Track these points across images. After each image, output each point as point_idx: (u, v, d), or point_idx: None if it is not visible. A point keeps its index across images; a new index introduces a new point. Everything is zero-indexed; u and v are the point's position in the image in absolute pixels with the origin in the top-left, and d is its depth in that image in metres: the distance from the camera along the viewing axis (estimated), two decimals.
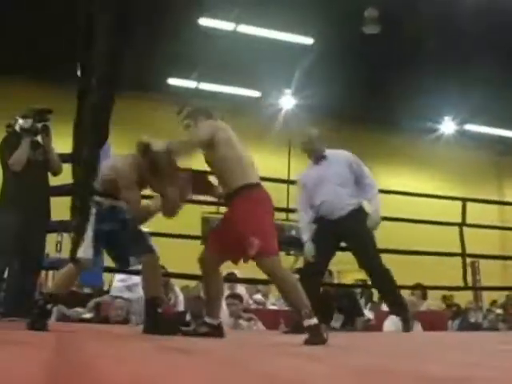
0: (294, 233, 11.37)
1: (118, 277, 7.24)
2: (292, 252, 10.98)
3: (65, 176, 5.35)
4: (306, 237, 5.40)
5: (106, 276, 7.92)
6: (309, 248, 5.33)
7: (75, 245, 4.81)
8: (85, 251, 3.91)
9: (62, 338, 3.29)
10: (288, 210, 10.13)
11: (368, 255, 5.28)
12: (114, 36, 1.98)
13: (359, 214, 5.33)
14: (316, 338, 3.24)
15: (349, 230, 5.25)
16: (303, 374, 1.62)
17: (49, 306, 3.97)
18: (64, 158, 5.35)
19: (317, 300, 5.08)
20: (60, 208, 5.51)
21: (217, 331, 3.90)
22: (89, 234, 3.95)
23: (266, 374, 1.62)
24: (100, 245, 4.13)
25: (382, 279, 5.29)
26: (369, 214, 5.34)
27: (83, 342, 3.03)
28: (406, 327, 5.19)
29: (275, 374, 1.60)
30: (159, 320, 4.09)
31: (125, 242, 4.20)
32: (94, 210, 4.01)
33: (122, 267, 4.61)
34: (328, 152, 5.53)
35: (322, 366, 1.95)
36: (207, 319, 3.94)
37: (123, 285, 7.07)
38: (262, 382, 1.41)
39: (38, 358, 1.89)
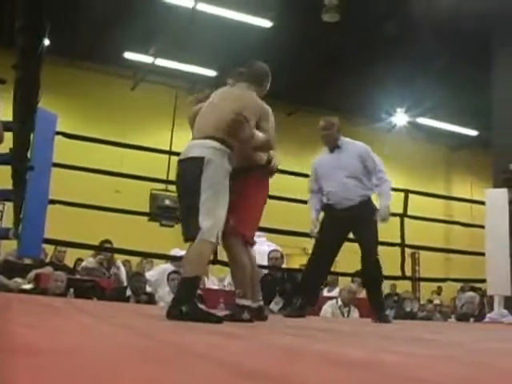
0: (167, 202, 11.61)
1: None
2: (163, 222, 11.22)
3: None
4: (313, 215, 5.51)
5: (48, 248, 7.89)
6: (314, 224, 5.45)
7: (16, 215, 4.79)
8: None
9: None
10: (168, 182, 10.36)
11: (368, 247, 5.32)
12: (34, 11, 1.97)
13: (367, 205, 5.36)
14: (239, 315, 3.59)
15: (355, 219, 5.26)
16: (215, 349, 1.67)
17: None
18: (6, 126, 5.28)
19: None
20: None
21: (257, 314, 3.97)
22: None
23: (179, 346, 1.67)
24: None
25: (372, 274, 5.36)
26: (377, 208, 5.40)
27: (17, 312, 3.02)
28: (384, 321, 5.26)
29: (188, 348, 1.65)
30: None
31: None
32: None
33: None
34: (342, 141, 5.56)
35: (238, 343, 2.00)
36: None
37: None
38: (174, 354, 1.46)
39: None
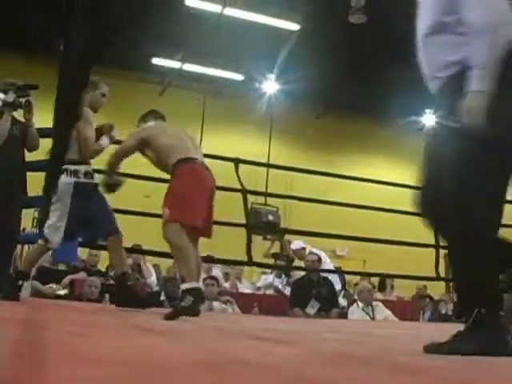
0: (271, 218, 11.41)
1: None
2: (268, 237, 11.08)
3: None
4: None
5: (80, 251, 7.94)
6: None
7: (40, 219, 4.89)
8: (51, 231, 4.42)
9: (36, 314, 3.29)
10: (267, 194, 10.17)
11: None
12: (91, 19, 1.98)
13: None
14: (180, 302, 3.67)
15: None
16: (268, 357, 1.65)
17: (20, 282, 4.60)
18: (43, 132, 5.32)
19: None
20: (37, 184, 5.54)
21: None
22: (57, 213, 4.46)
23: (232, 355, 1.66)
24: (75, 221, 4.47)
25: None
26: None
27: (58, 319, 3.04)
28: None
29: (239, 355, 1.64)
30: (131, 292, 4.38)
31: (96, 219, 4.52)
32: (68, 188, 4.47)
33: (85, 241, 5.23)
34: None
35: (288, 350, 1.98)
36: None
37: None
38: (224, 361, 1.44)
39: (10, 334, 1.90)
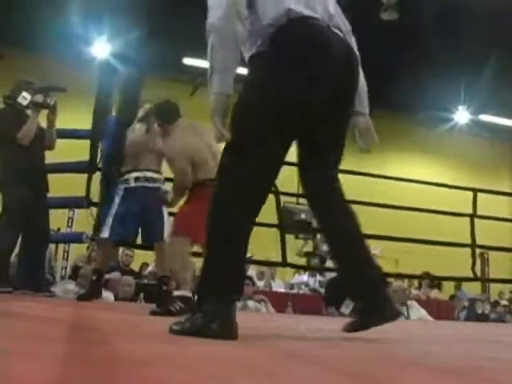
0: (303, 216, 11.37)
1: None
2: (300, 236, 10.98)
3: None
4: None
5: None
6: None
7: (98, 220, 4.99)
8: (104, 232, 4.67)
9: (76, 315, 3.32)
10: (298, 195, 10.16)
11: None
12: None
13: None
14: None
15: None
16: (324, 357, 1.63)
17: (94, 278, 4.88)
18: (79, 133, 5.38)
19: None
20: (66, 184, 5.62)
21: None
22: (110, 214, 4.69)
23: (266, 346, 1.65)
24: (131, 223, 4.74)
25: None
26: None
27: (99, 319, 3.06)
28: None
29: (278, 347, 1.63)
30: (165, 296, 4.39)
31: (144, 223, 4.79)
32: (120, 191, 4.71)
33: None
34: None
35: (336, 352, 1.96)
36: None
37: None
38: (279, 358, 1.43)
39: (56, 335, 1.91)
